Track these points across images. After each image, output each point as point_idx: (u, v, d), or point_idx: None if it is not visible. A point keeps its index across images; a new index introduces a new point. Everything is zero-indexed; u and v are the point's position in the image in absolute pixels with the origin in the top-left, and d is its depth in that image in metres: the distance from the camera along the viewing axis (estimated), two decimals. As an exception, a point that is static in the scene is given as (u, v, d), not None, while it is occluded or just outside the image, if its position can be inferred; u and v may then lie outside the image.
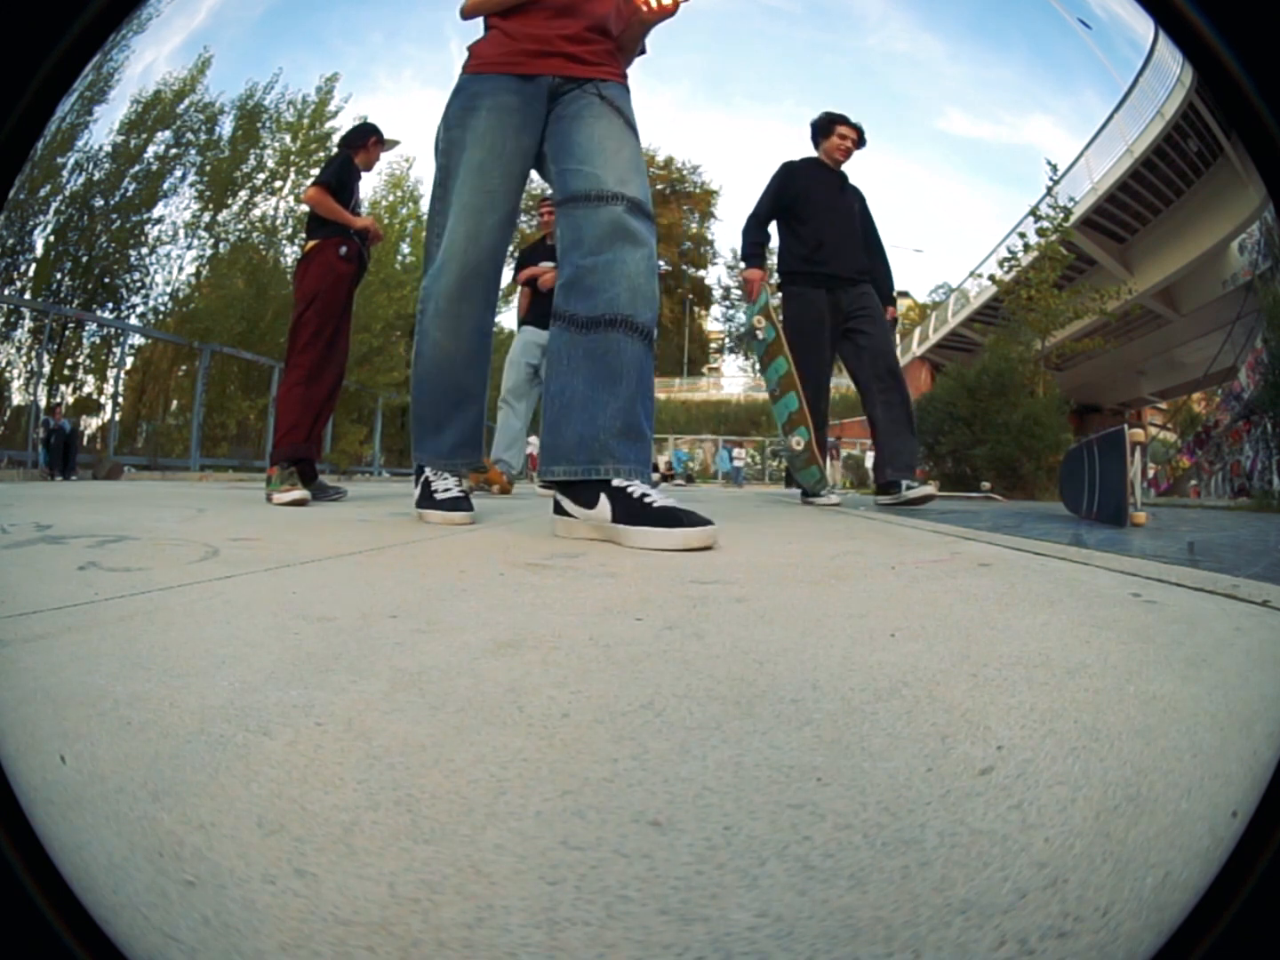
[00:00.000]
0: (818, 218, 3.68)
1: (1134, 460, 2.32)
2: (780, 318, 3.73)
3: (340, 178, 3.25)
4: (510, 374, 4.67)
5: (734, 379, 38.13)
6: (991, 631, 0.72)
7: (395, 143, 3.48)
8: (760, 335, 3.73)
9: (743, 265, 3.85)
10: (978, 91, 59.23)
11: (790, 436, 3.69)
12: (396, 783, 0.38)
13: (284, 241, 12.66)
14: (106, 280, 11.05)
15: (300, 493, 2.86)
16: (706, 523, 1.43)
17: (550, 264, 3.92)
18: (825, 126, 3.73)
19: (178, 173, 11.67)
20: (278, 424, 3.18)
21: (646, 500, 1.51)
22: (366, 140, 3.38)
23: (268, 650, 0.62)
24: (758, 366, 4.20)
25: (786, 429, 3.72)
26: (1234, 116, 0.26)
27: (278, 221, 12.84)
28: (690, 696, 0.52)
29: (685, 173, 41.17)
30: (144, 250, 11.41)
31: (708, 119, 64.42)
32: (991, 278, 13.67)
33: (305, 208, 3.46)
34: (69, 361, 9.93)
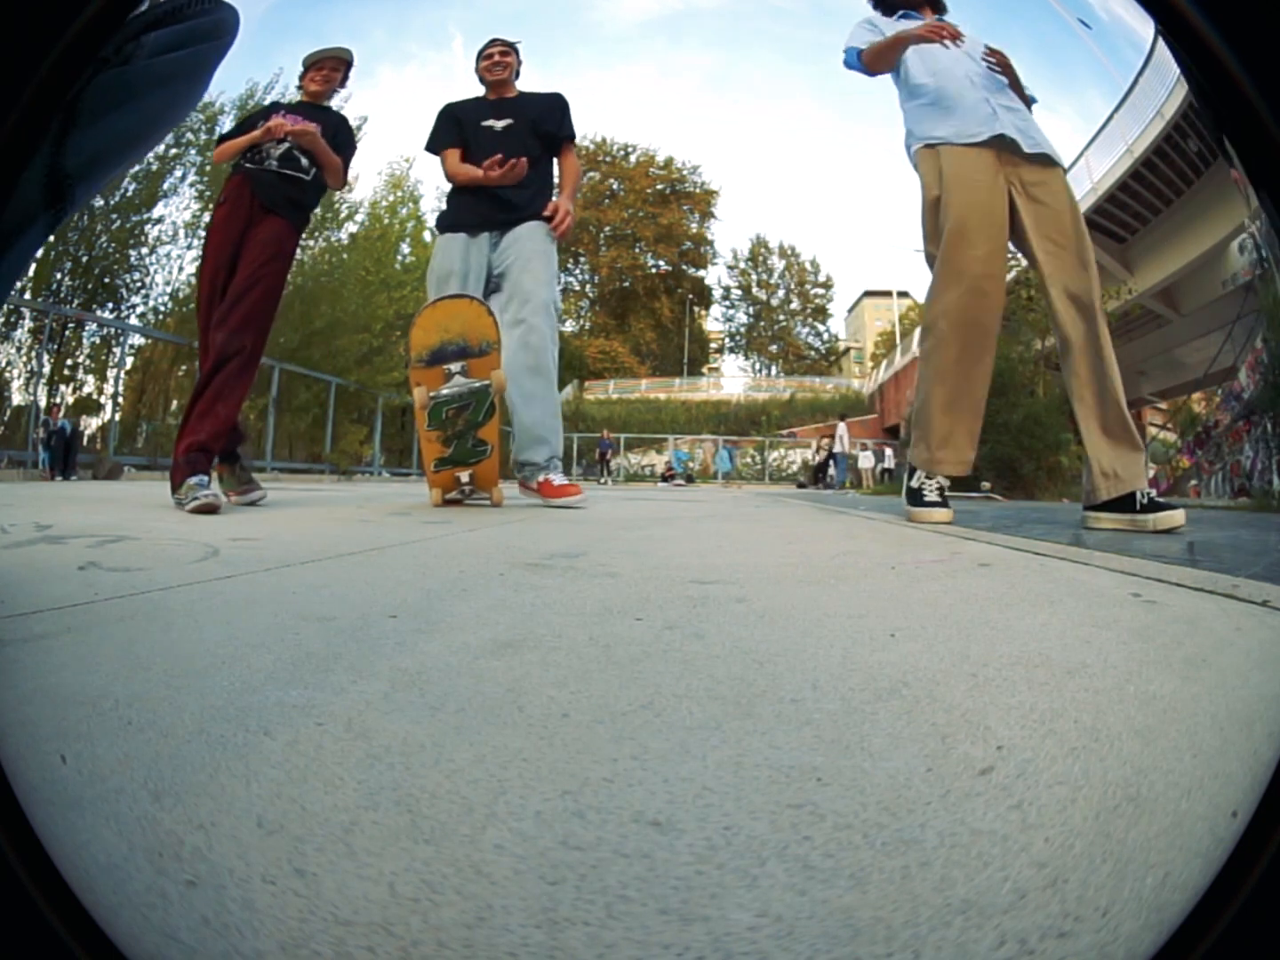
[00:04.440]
0: None
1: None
2: None
3: (243, 121, 3.01)
4: None
5: (734, 379, 38.13)
6: (991, 631, 0.72)
7: (327, 53, 3.07)
8: None
9: None
10: (978, 91, 59.13)
11: None
12: (396, 783, 0.38)
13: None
14: (106, 280, 11.03)
15: (205, 498, 2.11)
16: None
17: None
18: None
19: (178, 173, 11.61)
20: None
21: None
22: (304, 73, 3.10)
23: (268, 650, 0.62)
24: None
25: None
26: (1234, 116, 0.26)
27: (277, 221, 12.82)
28: (690, 696, 0.52)
29: (685, 173, 41.17)
30: (144, 250, 11.38)
31: (709, 119, 64.43)
32: (991, 277, 13.61)
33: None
34: (69, 361, 9.92)
